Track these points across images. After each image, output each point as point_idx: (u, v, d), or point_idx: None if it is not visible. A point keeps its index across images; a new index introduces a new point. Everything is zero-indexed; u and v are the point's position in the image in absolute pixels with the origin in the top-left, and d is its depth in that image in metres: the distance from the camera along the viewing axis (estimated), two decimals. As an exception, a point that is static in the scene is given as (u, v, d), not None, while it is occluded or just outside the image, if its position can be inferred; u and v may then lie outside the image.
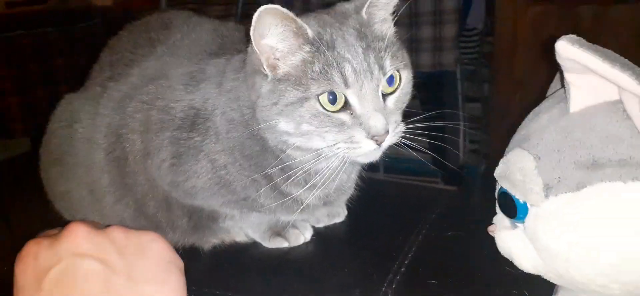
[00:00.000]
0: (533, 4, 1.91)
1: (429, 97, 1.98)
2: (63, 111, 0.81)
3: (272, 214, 0.73)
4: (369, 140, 0.60)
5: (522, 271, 0.59)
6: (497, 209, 0.61)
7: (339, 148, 0.60)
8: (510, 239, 0.59)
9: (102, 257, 0.50)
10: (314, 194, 0.68)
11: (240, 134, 0.66)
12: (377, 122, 0.59)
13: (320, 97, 0.59)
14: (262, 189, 0.68)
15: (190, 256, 0.72)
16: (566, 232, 0.51)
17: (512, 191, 0.57)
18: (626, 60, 0.48)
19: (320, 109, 0.59)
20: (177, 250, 0.70)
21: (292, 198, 0.69)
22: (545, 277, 0.57)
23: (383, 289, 0.61)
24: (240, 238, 0.76)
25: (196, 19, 0.82)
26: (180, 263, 0.55)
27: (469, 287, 0.62)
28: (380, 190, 0.85)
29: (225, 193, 0.70)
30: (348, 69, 0.58)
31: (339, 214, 0.79)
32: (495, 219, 0.62)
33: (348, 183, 0.74)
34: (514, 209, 0.57)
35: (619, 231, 0.48)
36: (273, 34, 0.58)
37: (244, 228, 0.76)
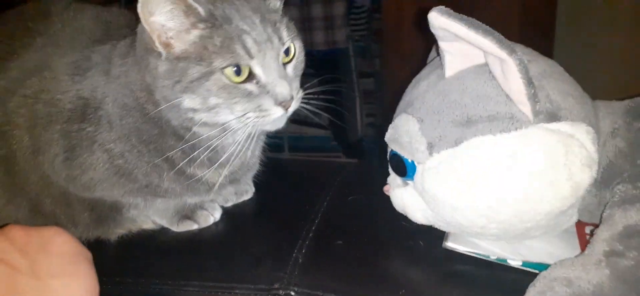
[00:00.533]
0: (415, -18, 2.01)
1: (325, 75, 2.04)
2: None
3: (178, 198, 0.72)
4: (277, 107, 0.63)
5: (416, 224, 0.65)
6: (390, 170, 0.68)
7: (248, 118, 0.62)
8: (403, 196, 0.65)
9: (3, 258, 0.49)
10: (220, 173, 0.69)
11: (136, 119, 0.65)
12: (283, 89, 0.62)
13: (225, 70, 0.60)
14: (165, 174, 0.68)
15: (97, 248, 0.69)
16: (450, 183, 0.57)
17: (401, 152, 0.63)
18: (488, 27, 0.54)
19: (227, 81, 0.60)
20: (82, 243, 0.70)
21: (197, 179, 0.69)
22: (435, 226, 0.64)
23: (294, 255, 0.64)
24: (148, 225, 0.75)
25: (77, 6, 0.79)
26: (87, 254, 0.55)
27: (370, 243, 0.67)
28: (285, 167, 0.88)
29: (125, 182, 0.68)
30: (249, 41, 0.60)
31: (247, 192, 0.81)
32: (389, 179, 0.68)
33: (252, 159, 0.76)
34: (404, 169, 0.63)
35: (492, 177, 0.55)
36: (162, 13, 0.58)
37: (150, 215, 0.75)
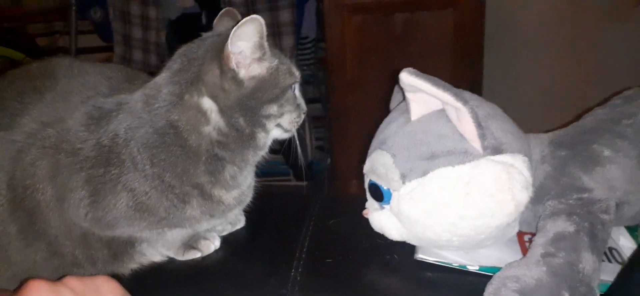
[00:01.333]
0: (355, 14, 2.14)
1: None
2: None
3: (193, 227, 0.80)
4: (302, 114, 0.82)
5: (390, 240, 0.78)
6: (368, 196, 0.81)
7: (292, 125, 0.82)
8: (381, 218, 0.78)
9: None
10: (234, 195, 0.80)
11: (171, 155, 0.73)
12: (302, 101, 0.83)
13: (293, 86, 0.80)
14: (194, 201, 0.76)
15: None
16: (420, 205, 0.71)
17: (378, 182, 0.76)
18: (446, 83, 0.69)
19: (291, 95, 0.80)
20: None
21: (217, 201, 0.78)
22: (408, 241, 0.77)
23: (292, 273, 0.76)
24: (156, 258, 0.82)
25: (79, 65, 0.85)
26: None
27: (354, 259, 0.79)
28: (262, 198, 0.97)
29: (147, 217, 0.75)
30: (293, 68, 0.80)
31: (240, 221, 0.90)
32: (367, 204, 0.81)
33: (249, 189, 0.86)
34: (381, 195, 0.76)
35: (454, 200, 0.69)
36: (250, 41, 0.73)
37: (159, 248, 0.82)
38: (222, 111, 0.75)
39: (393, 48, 2.14)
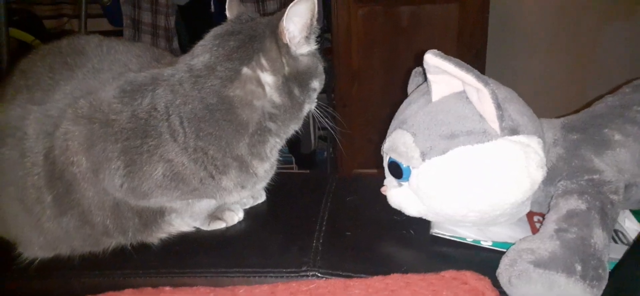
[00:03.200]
0: (362, 6, 2.17)
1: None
2: None
3: (224, 198, 0.84)
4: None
5: (406, 217, 0.82)
6: (387, 173, 0.84)
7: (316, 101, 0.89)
8: (399, 195, 0.81)
9: None
10: (265, 168, 0.85)
11: (218, 128, 0.77)
12: None
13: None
14: (232, 171, 0.80)
15: (142, 249, 0.82)
16: (440, 182, 0.75)
17: (398, 159, 0.79)
18: (468, 65, 0.73)
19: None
20: (126, 249, 0.81)
21: (252, 172, 0.82)
22: (425, 217, 0.81)
23: (314, 243, 0.79)
24: (184, 228, 0.86)
25: (108, 42, 0.88)
26: None
27: (372, 232, 0.83)
28: (278, 180, 0.98)
29: (181, 187, 0.78)
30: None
31: (261, 196, 0.94)
32: (386, 181, 0.85)
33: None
34: (400, 173, 0.79)
35: (472, 177, 0.73)
36: (303, 19, 0.79)
37: (187, 218, 0.85)
38: (277, 85, 0.80)
39: (398, 40, 2.18)
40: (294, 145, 2.42)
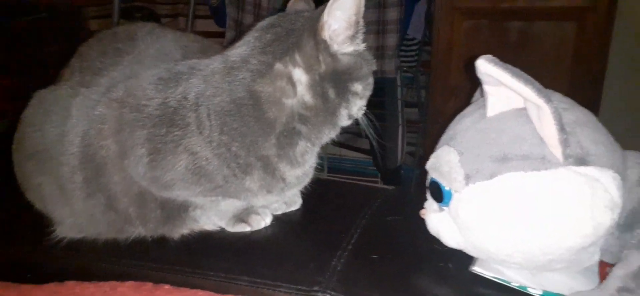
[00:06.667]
0: (467, 19, 2.05)
1: (371, 102, 2.11)
2: (35, 112, 0.84)
3: (248, 199, 0.79)
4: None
5: (447, 247, 0.70)
6: (428, 195, 0.73)
7: (363, 110, 0.80)
8: (438, 220, 0.70)
9: None
10: (296, 174, 0.79)
11: (244, 124, 0.72)
12: None
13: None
14: (256, 172, 0.75)
15: (161, 243, 0.79)
16: (482, 212, 0.63)
17: (440, 180, 0.68)
18: (528, 76, 0.60)
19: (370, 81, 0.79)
20: (146, 241, 0.79)
21: (279, 177, 0.77)
22: (465, 251, 0.69)
23: (333, 262, 0.71)
24: (208, 226, 0.82)
25: (159, 31, 0.88)
26: None
27: (404, 261, 0.73)
28: (328, 186, 0.94)
29: (203, 182, 0.75)
30: (372, 59, 0.79)
31: (295, 203, 0.88)
32: (426, 204, 0.74)
33: (311, 169, 0.84)
34: (441, 195, 0.68)
35: (520, 211, 0.60)
36: (346, 14, 0.72)
37: (212, 216, 0.82)
38: (311, 84, 0.74)
39: (505, 58, 1.98)
40: (379, 159, 2.33)
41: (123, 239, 0.81)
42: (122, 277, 0.71)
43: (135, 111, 0.74)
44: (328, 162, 2.39)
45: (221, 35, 2.51)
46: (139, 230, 0.80)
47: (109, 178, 0.77)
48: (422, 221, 0.74)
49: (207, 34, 2.64)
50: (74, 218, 0.81)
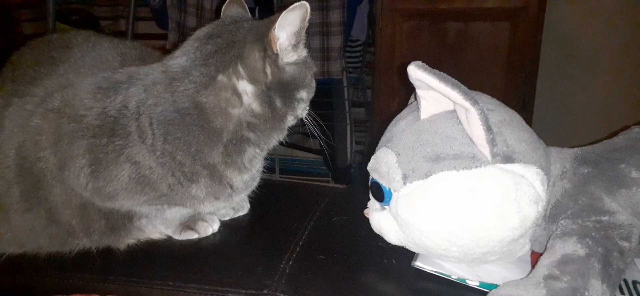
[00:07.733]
0: (408, 20, 2.10)
1: (320, 103, 2.14)
2: None
3: (194, 207, 0.79)
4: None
5: (390, 244, 0.74)
6: (370, 195, 0.77)
7: (307, 110, 0.83)
8: (380, 219, 0.74)
9: None
10: (243, 179, 0.80)
11: (188, 133, 0.72)
12: None
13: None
14: (202, 180, 0.75)
15: (106, 254, 0.78)
16: (419, 209, 0.66)
17: (380, 180, 0.72)
18: (456, 81, 0.64)
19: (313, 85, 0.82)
20: (91, 252, 0.77)
21: (226, 184, 0.77)
22: (406, 247, 0.73)
23: (281, 265, 0.73)
24: (154, 235, 0.82)
25: (95, 38, 0.87)
26: None
27: (350, 260, 0.76)
28: (277, 187, 0.96)
29: (148, 191, 0.74)
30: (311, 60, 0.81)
31: (243, 208, 0.89)
32: (369, 204, 0.78)
33: (257, 174, 0.85)
34: (382, 195, 0.72)
35: (454, 207, 0.64)
36: (295, 27, 0.74)
37: (158, 224, 0.82)
38: (257, 93, 0.75)
39: (444, 57, 2.08)
40: (329, 159, 2.37)
41: (67, 252, 0.79)
42: (67, 291, 0.71)
43: (73, 121, 0.73)
44: (280, 163, 2.41)
45: (163, 37, 2.47)
46: (83, 242, 0.79)
47: (48, 191, 0.76)
48: (366, 220, 0.78)
49: (149, 36, 2.62)
50: (12, 232, 0.79)
